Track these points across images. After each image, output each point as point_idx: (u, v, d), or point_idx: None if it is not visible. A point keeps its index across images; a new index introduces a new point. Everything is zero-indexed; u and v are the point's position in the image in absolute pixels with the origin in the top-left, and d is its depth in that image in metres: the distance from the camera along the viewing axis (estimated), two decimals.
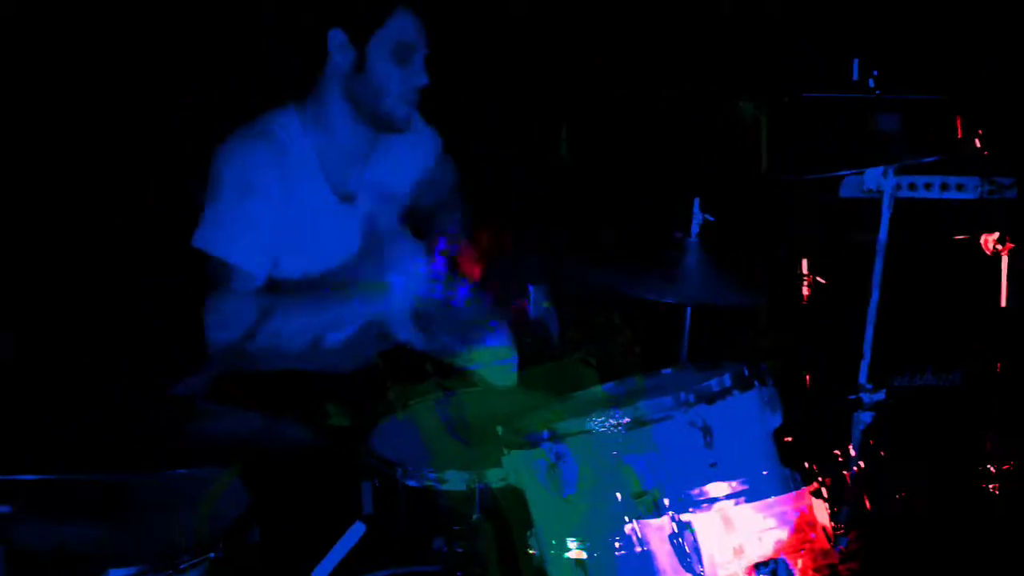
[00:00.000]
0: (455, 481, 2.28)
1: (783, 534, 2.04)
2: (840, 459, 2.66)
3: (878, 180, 3.01)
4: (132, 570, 1.86)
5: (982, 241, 3.35)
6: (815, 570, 2.04)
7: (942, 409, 3.37)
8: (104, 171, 3.47)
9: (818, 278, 3.43)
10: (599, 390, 2.37)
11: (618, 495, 2.02)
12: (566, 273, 2.91)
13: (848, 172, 3.26)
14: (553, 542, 2.10)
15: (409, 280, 2.62)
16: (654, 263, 2.64)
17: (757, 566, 2.00)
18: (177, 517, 1.93)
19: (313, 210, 2.72)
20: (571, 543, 2.06)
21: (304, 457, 2.36)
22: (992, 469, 3.19)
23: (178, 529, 1.92)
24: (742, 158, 3.52)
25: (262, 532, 2.29)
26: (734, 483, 2.04)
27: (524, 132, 3.89)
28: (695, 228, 2.63)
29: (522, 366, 2.65)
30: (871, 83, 3.34)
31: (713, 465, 2.04)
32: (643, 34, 3.94)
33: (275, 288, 2.69)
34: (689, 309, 2.79)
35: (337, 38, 2.66)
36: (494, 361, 2.63)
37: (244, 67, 3.50)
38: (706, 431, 2.03)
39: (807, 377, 3.38)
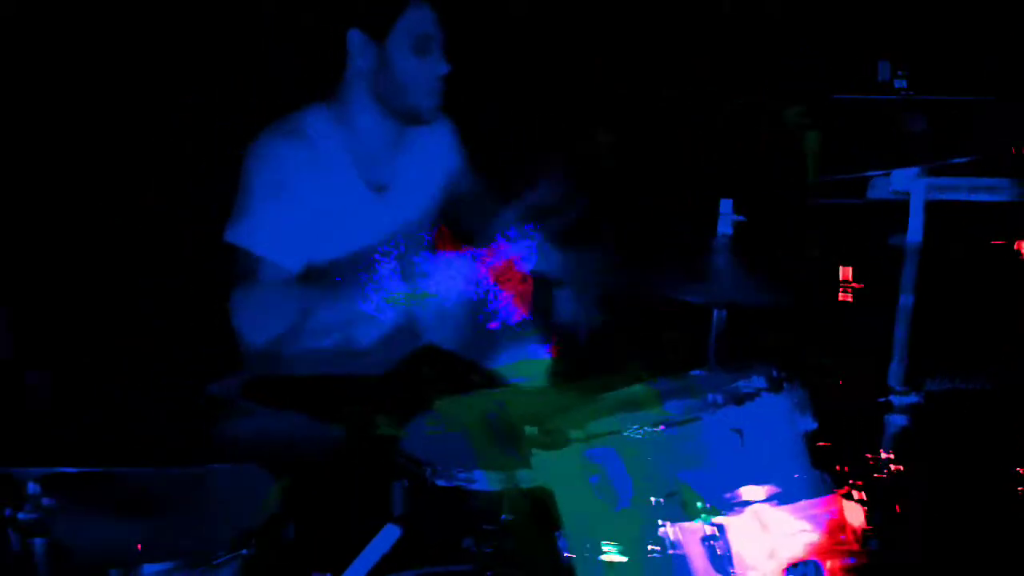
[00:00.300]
0: (485, 481, 2.28)
1: (815, 537, 2.03)
2: (871, 462, 2.66)
3: (907, 182, 3.00)
4: (167, 565, 1.88)
5: (1015, 246, 3.33)
6: (845, 572, 2.03)
7: (974, 413, 3.35)
8: (104, 171, 3.49)
9: (854, 283, 3.41)
10: (629, 391, 2.37)
11: (652, 498, 2.02)
12: (598, 275, 2.90)
13: (876, 173, 3.24)
14: (586, 544, 2.09)
15: (445, 280, 2.62)
16: (687, 264, 2.63)
17: (789, 568, 2.00)
18: (213, 513, 1.94)
19: (346, 202, 2.74)
20: (604, 546, 2.06)
21: (339, 457, 2.37)
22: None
23: (214, 525, 1.93)
24: (782, 167, 3.51)
25: (296, 529, 2.28)
26: (767, 486, 2.04)
27: (555, 135, 3.88)
28: (727, 229, 2.62)
29: (569, 373, 2.64)
30: (902, 83, 3.32)
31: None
32: (643, 34, 3.93)
33: (310, 278, 2.69)
34: (716, 312, 2.78)
35: (356, 38, 2.68)
36: (532, 374, 2.63)
37: (249, 68, 3.52)
38: (736, 433, 2.03)
39: (838, 380, 3.37)
